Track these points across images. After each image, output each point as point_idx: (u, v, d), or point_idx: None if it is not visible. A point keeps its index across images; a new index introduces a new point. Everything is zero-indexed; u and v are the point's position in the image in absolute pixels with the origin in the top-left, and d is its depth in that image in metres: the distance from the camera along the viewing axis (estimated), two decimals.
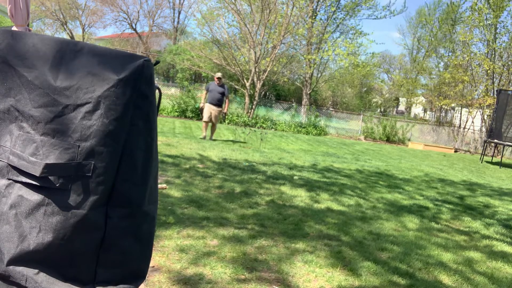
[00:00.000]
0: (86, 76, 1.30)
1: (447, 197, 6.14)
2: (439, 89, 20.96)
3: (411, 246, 3.62)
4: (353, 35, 21.71)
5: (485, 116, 17.84)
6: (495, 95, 15.59)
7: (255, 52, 15.97)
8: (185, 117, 15.24)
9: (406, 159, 11.08)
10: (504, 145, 13.62)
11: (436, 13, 32.82)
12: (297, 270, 2.82)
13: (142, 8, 45.69)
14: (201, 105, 10.04)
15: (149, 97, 1.41)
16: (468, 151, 17.42)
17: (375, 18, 24.80)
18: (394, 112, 41.70)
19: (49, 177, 1.27)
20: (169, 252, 2.82)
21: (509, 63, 17.38)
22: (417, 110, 42.93)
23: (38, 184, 1.28)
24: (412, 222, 4.44)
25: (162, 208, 3.74)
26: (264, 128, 15.41)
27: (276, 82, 21.05)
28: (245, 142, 10.17)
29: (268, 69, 16.53)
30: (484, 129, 17.69)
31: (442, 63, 21.29)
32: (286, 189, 5.23)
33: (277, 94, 27.03)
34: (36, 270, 1.29)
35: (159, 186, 4.39)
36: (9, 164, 1.30)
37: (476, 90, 18.67)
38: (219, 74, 10.07)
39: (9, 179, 1.31)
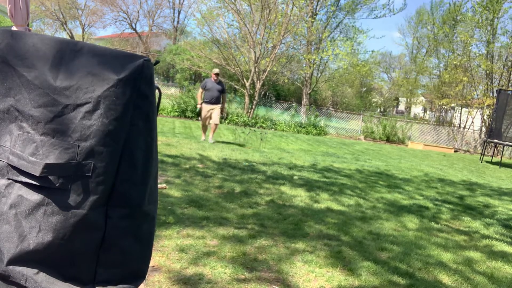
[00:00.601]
0: (86, 76, 1.30)
1: (447, 197, 6.14)
2: (439, 89, 20.97)
3: (411, 246, 3.62)
4: (353, 34, 21.72)
5: (485, 116, 17.84)
6: (494, 95, 15.59)
7: (255, 52, 15.97)
8: (185, 117, 15.23)
9: (406, 159, 11.08)
10: (504, 145, 13.62)
11: (437, 12, 32.83)
12: (297, 270, 2.82)
13: (142, 8, 45.66)
14: (199, 105, 9.22)
15: (149, 97, 1.41)
16: (468, 151, 17.42)
17: (375, 17, 24.79)
18: (394, 112, 41.69)
19: (49, 177, 1.27)
20: (169, 252, 2.82)
21: (509, 63, 17.38)
22: (417, 110, 42.93)
23: (38, 184, 1.28)
24: (412, 222, 4.44)
25: (162, 208, 3.74)
26: (264, 128, 15.41)
27: (276, 82, 21.05)
28: (243, 145, 10.18)
29: (268, 69, 16.53)
30: (484, 129, 17.69)
31: (442, 63, 21.30)
32: (286, 189, 5.23)
33: (277, 94, 27.02)
34: (36, 270, 1.29)
35: (159, 186, 4.39)
36: (9, 164, 1.30)
37: (475, 90, 18.68)
38: (216, 70, 9.21)
39: (9, 179, 1.31)
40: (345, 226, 3.95)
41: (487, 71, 17.45)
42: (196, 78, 29.90)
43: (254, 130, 12.02)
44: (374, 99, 37.31)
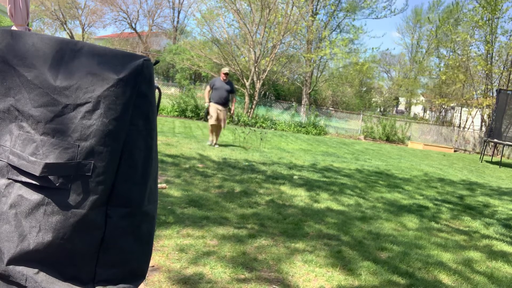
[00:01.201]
0: (85, 75, 1.30)
1: (447, 196, 6.14)
2: (439, 88, 20.97)
3: (410, 245, 3.62)
4: (353, 34, 21.72)
5: (485, 116, 17.85)
6: (493, 95, 15.59)
7: (254, 52, 15.97)
8: (185, 116, 15.23)
9: (406, 159, 11.08)
10: (503, 145, 13.63)
11: (436, 12, 32.82)
12: (297, 269, 2.82)
13: (141, 8, 45.71)
14: (207, 104, 8.63)
15: (149, 97, 1.41)
16: (468, 150, 17.43)
17: (375, 18, 24.77)
18: (394, 112, 41.71)
19: (49, 177, 1.27)
20: (169, 251, 2.82)
21: (509, 63, 17.38)
22: (417, 109, 42.94)
23: (38, 183, 1.28)
24: (411, 221, 4.44)
25: (162, 207, 3.74)
26: (264, 128, 15.41)
27: (276, 82, 21.04)
28: (243, 147, 10.18)
29: (268, 69, 16.52)
30: (483, 129, 17.69)
31: (443, 63, 21.31)
32: (285, 188, 5.23)
33: (277, 93, 27.02)
34: (36, 270, 1.29)
35: (159, 185, 4.39)
36: (9, 164, 1.30)
37: (475, 90, 18.68)
38: (226, 69, 8.69)
39: (9, 179, 1.31)
40: (345, 226, 3.95)
41: (486, 71, 17.45)
42: (196, 77, 29.90)
43: (254, 130, 12.02)
44: (374, 99, 37.31)
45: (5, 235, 1.28)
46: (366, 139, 17.36)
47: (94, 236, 1.36)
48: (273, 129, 15.78)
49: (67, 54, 1.30)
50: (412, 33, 41.87)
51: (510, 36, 17.39)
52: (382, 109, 39.40)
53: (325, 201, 4.85)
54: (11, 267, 1.28)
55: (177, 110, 15.37)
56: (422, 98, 33.96)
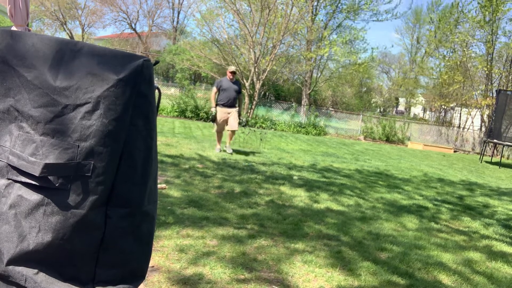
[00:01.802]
0: (85, 76, 1.30)
1: (447, 197, 6.14)
2: (439, 89, 20.97)
3: (410, 246, 3.62)
4: (353, 35, 21.75)
5: (485, 116, 17.85)
6: (493, 96, 15.60)
7: (254, 52, 15.97)
8: (185, 117, 15.23)
9: (406, 159, 11.09)
10: (503, 145, 13.63)
11: (435, 12, 32.84)
12: (297, 270, 2.82)
13: (141, 8, 45.70)
14: (213, 109, 7.72)
15: (149, 97, 1.41)
16: (467, 151, 17.43)
17: (375, 20, 24.79)
18: (394, 112, 41.73)
19: (49, 177, 1.27)
20: (168, 252, 2.82)
21: (509, 63, 17.39)
22: (416, 110, 42.95)
23: (37, 184, 1.28)
24: (411, 222, 4.44)
25: (162, 208, 3.74)
26: (264, 128, 15.42)
27: (275, 82, 21.05)
28: (243, 146, 10.18)
29: (268, 69, 16.53)
30: (483, 129, 17.70)
31: (443, 63, 21.31)
32: (285, 189, 5.23)
33: (277, 94, 27.03)
34: (36, 270, 1.29)
35: (159, 186, 4.39)
36: (9, 164, 1.30)
37: (474, 91, 18.68)
38: (233, 68, 7.93)
39: (9, 179, 1.31)
40: (345, 226, 3.95)
41: (487, 72, 17.46)
42: (196, 78, 29.90)
43: (254, 130, 12.02)
44: (373, 99, 37.33)
45: (5, 236, 1.28)
46: (366, 140, 17.36)
47: (93, 236, 1.36)
48: (272, 130, 15.79)
49: (67, 54, 1.31)
50: (412, 34, 41.92)
51: (511, 37, 17.42)
52: (382, 110, 39.42)
53: (325, 201, 4.85)
54: (10, 267, 1.28)
55: (177, 110, 15.37)
56: (421, 98, 33.99)
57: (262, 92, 18.58)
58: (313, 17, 20.34)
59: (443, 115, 21.71)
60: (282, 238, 3.40)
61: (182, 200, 4.09)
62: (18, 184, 1.30)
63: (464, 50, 18.07)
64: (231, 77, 7.79)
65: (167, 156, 6.47)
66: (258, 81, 16.51)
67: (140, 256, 1.47)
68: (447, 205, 5.52)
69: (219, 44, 17.51)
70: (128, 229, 1.41)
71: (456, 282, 2.97)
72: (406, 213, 4.76)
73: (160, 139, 8.20)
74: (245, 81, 16.73)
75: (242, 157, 7.42)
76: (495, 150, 15.57)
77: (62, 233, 1.29)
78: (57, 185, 1.28)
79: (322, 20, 21.99)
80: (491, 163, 13.52)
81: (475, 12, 17.51)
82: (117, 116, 1.32)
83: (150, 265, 1.80)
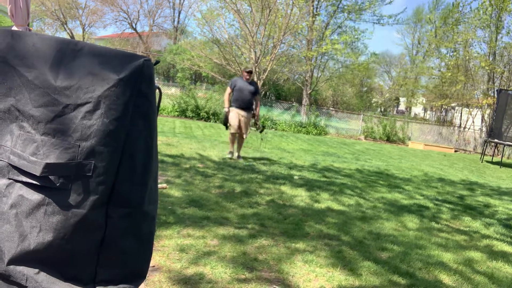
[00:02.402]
0: (86, 75, 1.30)
1: (447, 196, 6.14)
2: (440, 89, 20.96)
3: (411, 246, 3.61)
4: (356, 36, 21.78)
5: (485, 116, 17.84)
6: (495, 95, 15.58)
7: (255, 52, 15.97)
8: (185, 116, 15.24)
9: (406, 159, 11.08)
10: (504, 145, 13.61)
11: (436, 12, 32.82)
12: (297, 269, 2.82)
13: (142, 8, 45.70)
14: (226, 109, 7.16)
15: (149, 97, 1.41)
16: (468, 150, 17.42)
17: (377, 23, 24.80)
18: (395, 112, 41.72)
19: (50, 177, 1.27)
20: (169, 251, 2.82)
21: (510, 63, 17.38)
22: (417, 109, 42.93)
23: (38, 183, 1.28)
24: (412, 221, 4.44)
25: (162, 207, 3.74)
26: (264, 128, 15.42)
27: (276, 82, 21.04)
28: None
29: (268, 69, 16.53)
30: (484, 129, 17.68)
31: (443, 63, 21.32)
32: (286, 188, 5.23)
33: (277, 93, 27.04)
34: (37, 270, 1.29)
35: (159, 185, 4.39)
36: (10, 164, 1.30)
37: (475, 90, 18.67)
38: (249, 68, 7.45)
39: (10, 179, 1.31)
40: (346, 226, 3.95)
41: (489, 71, 17.45)
42: (197, 78, 29.90)
43: (255, 130, 12.02)
44: (374, 99, 37.32)
45: (6, 235, 1.28)
46: (367, 139, 17.36)
47: (94, 236, 1.36)
48: (273, 129, 15.78)
49: (68, 54, 1.31)
50: (413, 33, 41.89)
51: None
52: (382, 109, 39.41)
53: (325, 201, 4.85)
54: (11, 267, 1.28)
55: (178, 110, 15.37)
56: (422, 98, 33.96)
57: (263, 92, 18.57)
58: (313, 17, 20.33)
59: (443, 114, 21.69)
60: (282, 237, 3.40)
61: (182, 200, 4.09)
62: (19, 184, 1.30)
63: (466, 50, 18.05)
64: (247, 77, 7.18)
65: (167, 156, 6.47)
66: (258, 81, 16.51)
67: (140, 256, 1.47)
68: (447, 205, 5.52)
69: (219, 44, 17.52)
70: (129, 229, 1.41)
71: (457, 281, 2.97)
72: (407, 213, 4.76)
73: (160, 139, 8.20)
74: None
75: (243, 156, 7.42)
76: (496, 150, 15.55)
77: (63, 233, 1.29)
78: (58, 184, 1.28)
79: (323, 20, 22.00)
80: (492, 162, 13.51)
81: (481, 12, 17.46)
82: (117, 115, 1.32)
83: (150, 264, 1.81)
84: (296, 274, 2.75)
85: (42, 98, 1.29)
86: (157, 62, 1.51)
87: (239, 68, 16.83)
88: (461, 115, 19.42)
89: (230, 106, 7.14)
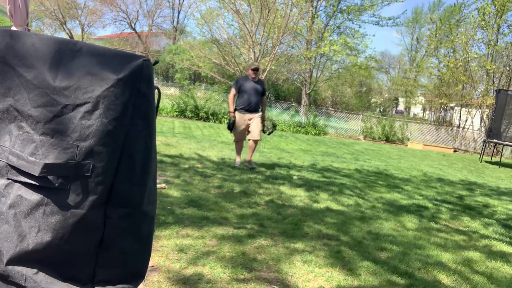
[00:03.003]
0: (85, 76, 1.30)
1: (446, 196, 6.15)
2: (439, 88, 20.98)
3: (410, 246, 3.62)
4: (353, 35, 21.79)
5: (485, 116, 17.86)
6: (494, 95, 15.60)
7: (254, 52, 15.97)
8: (185, 117, 15.23)
9: (405, 159, 11.09)
10: (503, 145, 13.63)
11: (436, 12, 32.85)
12: (296, 269, 2.82)
13: (141, 8, 45.66)
14: (232, 114, 6.42)
15: (148, 97, 1.41)
16: (468, 150, 17.44)
17: (375, 24, 24.80)
18: (394, 112, 41.74)
19: (48, 177, 1.27)
20: (168, 251, 2.82)
21: (510, 63, 17.40)
22: (416, 109, 42.97)
23: (37, 183, 1.28)
24: (411, 222, 4.44)
25: (161, 208, 3.74)
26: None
27: (275, 82, 21.05)
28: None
29: (268, 69, 16.53)
30: (483, 129, 17.70)
31: (442, 63, 21.33)
32: (285, 189, 5.23)
33: (277, 94, 27.05)
34: (35, 270, 1.29)
35: (158, 186, 4.39)
36: (8, 164, 1.30)
37: (475, 90, 18.69)
38: (255, 65, 6.58)
39: (8, 179, 1.31)
40: (345, 226, 3.95)
41: (488, 71, 17.47)
42: (196, 78, 29.89)
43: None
44: (373, 99, 37.35)
45: (4, 235, 1.28)
46: (366, 139, 17.37)
47: (93, 236, 1.36)
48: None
49: (67, 54, 1.31)
50: (412, 33, 41.93)
51: None
52: (381, 109, 39.44)
53: (324, 201, 4.86)
54: (10, 267, 1.28)
55: (177, 110, 15.37)
56: (421, 98, 34.00)
57: None
58: (313, 18, 20.35)
59: (443, 114, 21.72)
60: (281, 238, 3.40)
61: (181, 200, 4.09)
62: (17, 184, 1.30)
63: (467, 51, 18.06)
64: (253, 75, 6.42)
65: (166, 156, 6.47)
66: None
67: (139, 256, 1.47)
68: (446, 205, 5.52)
69: (219, 44, 17.52)
70: (128, 229, 1.41)
71: (456, 281, 2.97)
72: (406, 213, 4.76)
73: (159, 139, 8.20)
74: None
75: (243, 156, 7.42)
76: (495, 150, 15.57)
77: (61, 233, 1.29)
78: (56, 185, 1.28)
79: (322, 21, 22.02)
80: (491, 162, 13.53)
81: (482, 14, 17.46)
82: (116, 116, 1.32)
83: (149, 264, 1.81)
84: (295, 274, 2.75)
85: (41, 98, 1.29)
86: (156, 62, 1.51)
87: (238, 68, 16.84)
88: (460, 115, 19.45)
89: (236, 109, 6.41)
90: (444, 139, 18.66)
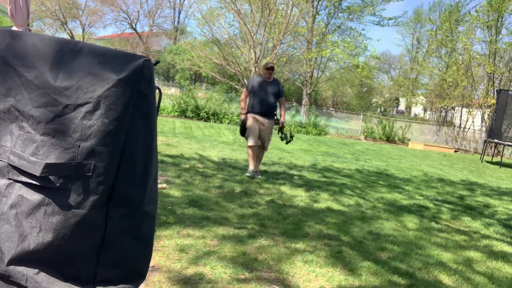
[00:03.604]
0: (86, 76, 1.30)
1: (447, 197, 6.14)
2: (439, 89, 20.98)
3: (411, 246, 3.62)
4: (354, 36, 21.80)
5: (485, 116, 17.84)
6: (495, 95, 15.60)
7: (255, 52, 15.97)
8: (185, 117, 15.24)
9: (406, 159, 11.08)
10: (504, 145, 13.62)
11: (436, 13, 32.83)
12: (297, 270, 2.82)
13: (142, 8, 45.73)
14: (243, 116, 5.78)
15: (149, 97, 1.41)
16: (468, 151, 17.42)
17: (376, 24, 24.80)
18: (394, 112, 41.73)
19: (50, 177, 1.27)
20: (169, 251, 2.82)
21: (511, 64, 17.39)
22: (417, 109, 42.95)
23: (38, 184, 1.28)
24: (412, 222, 4.44)
25: (162, 208, 3.74)
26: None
27: None
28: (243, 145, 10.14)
29: None
30: (484, 129, 17.68)
31: (443, 63, 21.32)
32: (286, 189, 5.23)
33: None
34: (36, 270, 1.29)
35: (159, 186, 4.39)
36: (10, 164, 1.31)
37: (476, 91, 18.68)
38: (270, 63, 5.82)
39: (10, 179, 1.31)
40: (345, 226, 3.95)
41: (489, 72, 17.46)
42: (196, 78, 29.90)
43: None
44: (374, 99, 37.33)
45: (6, 235, 1.28)
46: (367, 140, 17.36)
47: (94, 236, 1.36)
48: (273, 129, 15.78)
49: (68, 54, 1.31)
50: (413, 33, 41.91)
51: None
52: (382, 110, 39.43)
53: (325, 201, 4.85)
54: (11, 267, 1.28)
55: (178, 110, 15.38)
56: (422, 98, 33.99)
57: None
58: (313, 17, 20.35)
59: (443, 115, 21.70)
60: (282, 238, 3.40)
61: (182, 200, 4.09)
62: (19, 184, 1.30)
63: (468, 52, 18.04)
64: (267, 75, 5.72)
65: (167, 156, 6.47)
66: None
67: (140, 256, 1.48)
68: (447, 205, 5.52)
69: (219, 44, 17.52)
70: (129, 229, 1.41)
71: (457, 282, 2.97)
72: (407, 213, 4.76)
73: (160, 139, 8.20)
74: (245, 81, 16.72)
75: (243, 156, 7.42)
76: (495, 150, 15.55)
77: (62, 233, 1.29)
78: (57, 185, 1.28)
79: (323, 20, 22.03)
80: (491, 163, 13.52)
81: (479, 13, 17.47)
82: (117, 116, 1.32)
83: (150, 265, 1.81)
84: (296, 274, 2.75)
85: (42, 98, 1.29)
86: (157, 62, 1.51)
87: (239, 68, 16.84)
88: (461, 115, 19.43)
89: (248, 112, 5.76)
90: (445, 139, 18.64)
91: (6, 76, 1.32)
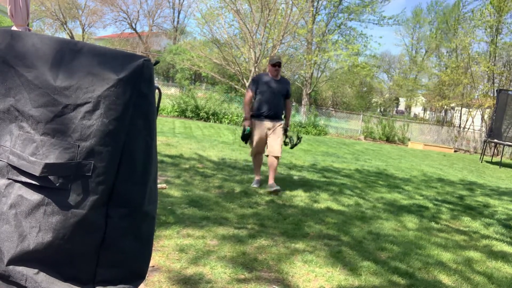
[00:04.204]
0: (86, 76, 1.30)
1: (447, 197, 6.14)
2: (439, 89, 20.99)
3: (410, 246, 3.62)
4: (354, 37, 21.81)
5: (485, 116, 17.85)
6: (494, 95, 15.60)
7: (255, 52, 15.97)
8: (185, 117, 15.24)
9: (406, 159, 11.08)
10: (504, 145, 13.62)
11: (436, 11, 32.85)
12: (297, 270, 2.82)
13: (142, 8, 45.73)
14: (247, 123, 5.09)
15: (149, 97, 1.41)
16: (468, 151, 17.43)
17: (376, 24, 24.81)
18: (394, 112, 41.73)
19: (49, 177, 1.27)
20: (169, 251, 2.82)
21: (510, 64, 17.40)
22: (417, 109, 42.96)
23: (38, 183, 1.28)
24: (411, 222, 4.44)
25: (162, 208, 3.74)
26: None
27: None
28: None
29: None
30: (484, 129, 17.69)
31: (442, 63, 21.34)
32: (285, 188, 5.23)
33: None
34: (36, 270, 1.29)
35: (159, 186, 4.39)
36: (9, 164, 1.30)
37: (476, 91, 18.69)
38: (277, 58, 5.16)
39: (9, 179, 1.31)
40: (345, 226, 3.95)
41: (489, 72, 17.47)
42: (196, 78, 29.89)
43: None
44: (374, 99, 37.33)
45: (5, 235, 1.28)
46: (366, 140, 17.36)
47: (94, 236, 1.36)
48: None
49: (67, 54, 1.31)
50: (412, 34, 41.91)
51: None
52: (382, 110, 39.43)
53: (325, 201, 4.85)
54: (11, 267, 1.28)
55: (177, 110, 15.38)
56: (422, 98, 34.01)
57: None
58: (313, 17, 20.35)
59: (443, 115, 21.70)
60: (282, 238, 3.40)
61: (182, 200, 4.09)
62: (18, 184, 1.30)
63: (468, 52, 18.04)
64: (274, 73, 5.09)
65: (167, 156, 6.47)
66: None
67: (140, 256, 1.48)
68: (447, 205, 5.52)
69: (219, 44, 17.52)
70: (129, 229, 1.41)
71: (457, 282, 2.97)
72: (406, 213, 4.76)
73: (160, 139, 8.20)
74: (245, 81, 16.72)
75: (243, 156, 7.42)
76: (495, 150, 15.56)
77: (62, 233, 1.29)
78: (57, 185, 1.28)
79: (323, 20, 22.04)
80: (491, 163, 13.52)
81: (478, 14, 17.48)
82: (117, 116, 1.32)
83: (150, 265, 1.81)
84: (295, 274, 2.75)
85: (41, 98, 1.29)
86: (157, 62, 1.51)
87: (238, 68, 16.84)
88: (460, 115, 19.44)
89: (253, 115, 5.09)
90: (444, 139, 18.65)
91: (6, 76, 1.32)
